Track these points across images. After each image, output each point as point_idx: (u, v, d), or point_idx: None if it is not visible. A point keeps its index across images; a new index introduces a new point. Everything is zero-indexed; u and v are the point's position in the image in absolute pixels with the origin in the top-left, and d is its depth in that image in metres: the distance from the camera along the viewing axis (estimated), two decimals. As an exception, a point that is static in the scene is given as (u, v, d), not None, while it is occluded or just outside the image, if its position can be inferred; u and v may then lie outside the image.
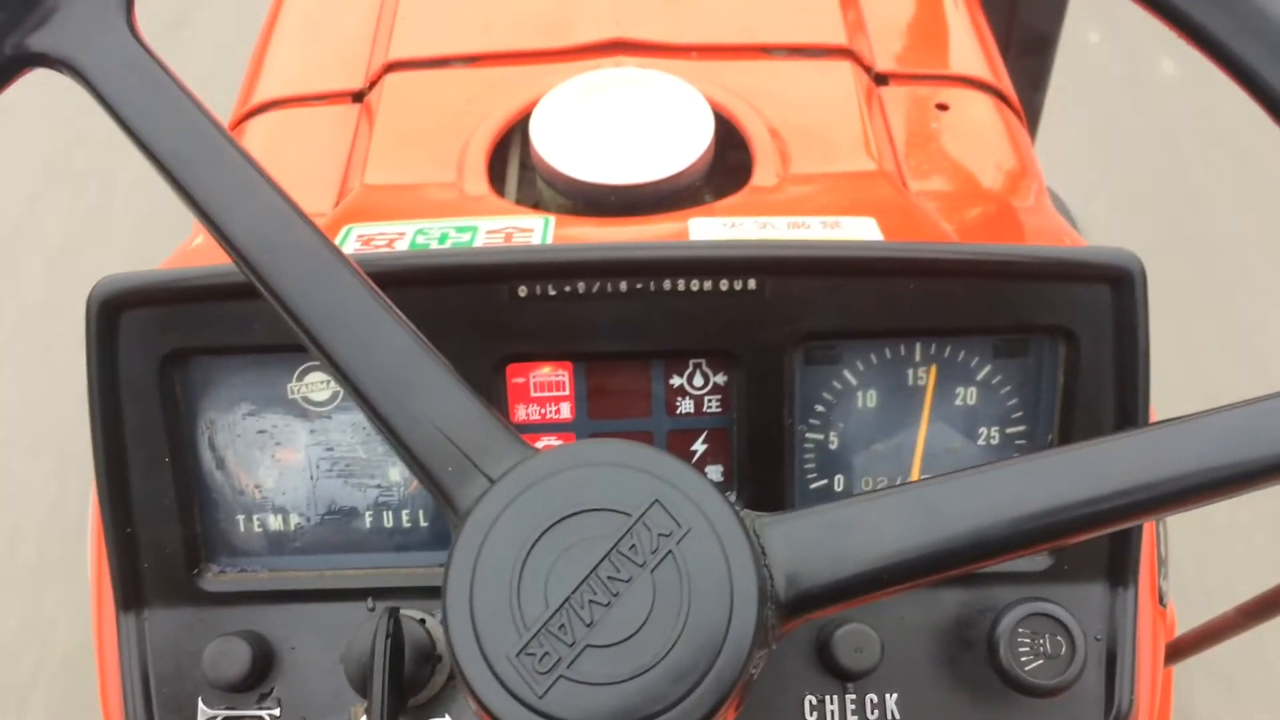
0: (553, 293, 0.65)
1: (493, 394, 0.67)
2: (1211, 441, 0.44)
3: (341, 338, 0.49)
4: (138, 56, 0.52)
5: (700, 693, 0.42)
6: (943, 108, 0.99)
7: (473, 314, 0.65)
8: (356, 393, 0.48)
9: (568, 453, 0.46)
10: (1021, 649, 0.62)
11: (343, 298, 0.49)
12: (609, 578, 0.43)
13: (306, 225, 0.50)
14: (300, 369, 0.67)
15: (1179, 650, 0.89)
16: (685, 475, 0.45)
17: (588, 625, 0.43)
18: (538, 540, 0.44)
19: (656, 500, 0.44)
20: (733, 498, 0.69)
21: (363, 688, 0.63)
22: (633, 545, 0.44)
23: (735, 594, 0.43)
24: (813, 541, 0.45)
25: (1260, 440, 0.43)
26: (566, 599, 0.43)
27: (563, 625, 0.43)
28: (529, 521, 0.44)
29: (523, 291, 0.65)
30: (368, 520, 0.69)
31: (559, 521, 0.44)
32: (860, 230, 0.77)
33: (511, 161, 0.94)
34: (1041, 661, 0.62)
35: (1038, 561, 0.67)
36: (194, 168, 0.51)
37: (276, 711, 0.67)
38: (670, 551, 0.44)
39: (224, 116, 1.06)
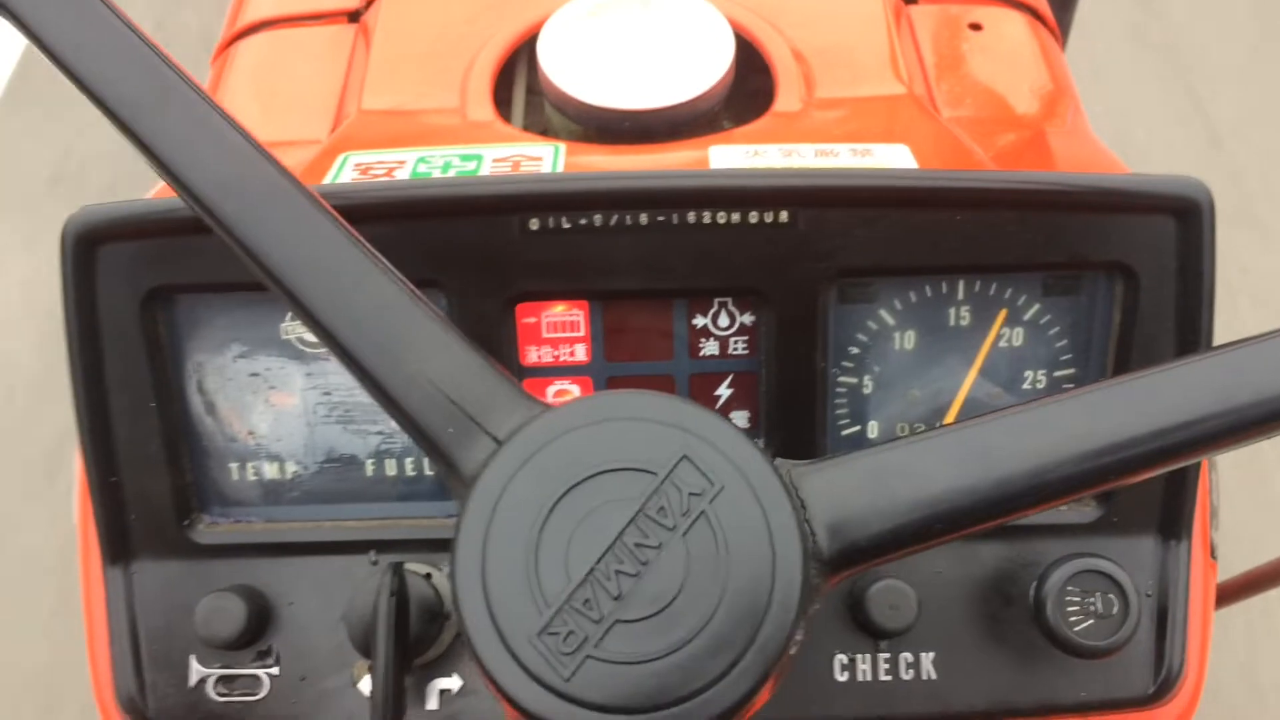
0: (567, 226, 0.60)
1: (502, 334, 0.62)
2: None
3: (320, 290, 0.44)
4: None
5: (744, 665, 0.38)
6: (975, 27, 0.93)
7: (480, 249, 0.60)
8: (341, 350, 0.44)
9: (582, 407, 0.41)
10: (1070, 608, 0.58)
11: (318, 246, 0.45)
12: (636, 544, 0.39)
13: (272, 165, 0.45)
14: None
15: (1221, 597, 0.85)
16: (715, 426, 0.41)
17: (615, 599, 0.39)
18: (554, 506, 0.40)
19: (685, 456, 0.40)
20: (760, 446, 0.65)
21: (366, 647, 0.59)
22: (661, 507, 0.39)
23: (777, 556, 0.39)
24: (856, 489, 0.41)
25: None
26: (590, 570, 0.39)
27: (587, 600, 0.39)
28: (544, 486, 0.40)
29: (534, 224, 0.60)
30: (369, 468, 0.65)
31: (577, 485, 0.40)
32: (894, 158, 0.72)
33: (518, 85, 0.88)
34: (1092, 621, 0.58)
35: (1085, 513, 0.63)
36: (141, 107, 0.46)
37: (275, 670, 0.63)
38: (703, 512, 0.39)
39: (214, 38, 1.00)
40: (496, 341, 0.62)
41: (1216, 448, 0.40)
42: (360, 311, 0.44)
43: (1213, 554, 0.67)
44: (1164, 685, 0.62)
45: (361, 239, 0.46)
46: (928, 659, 0.62)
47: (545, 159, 0.72)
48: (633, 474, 0.40)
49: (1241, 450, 0.41)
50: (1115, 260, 0.60)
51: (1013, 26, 0.94)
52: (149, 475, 0.62)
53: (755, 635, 0.38)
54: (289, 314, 0.63)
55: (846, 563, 0.41)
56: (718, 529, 0.39)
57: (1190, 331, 0.59)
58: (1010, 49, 0.92)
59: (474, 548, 0.40)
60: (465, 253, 0.60)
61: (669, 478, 0.40)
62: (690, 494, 0.39)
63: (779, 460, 0.42)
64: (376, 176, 0.70)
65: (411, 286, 0.45)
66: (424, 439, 0.43)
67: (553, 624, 0.38)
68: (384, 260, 0.45)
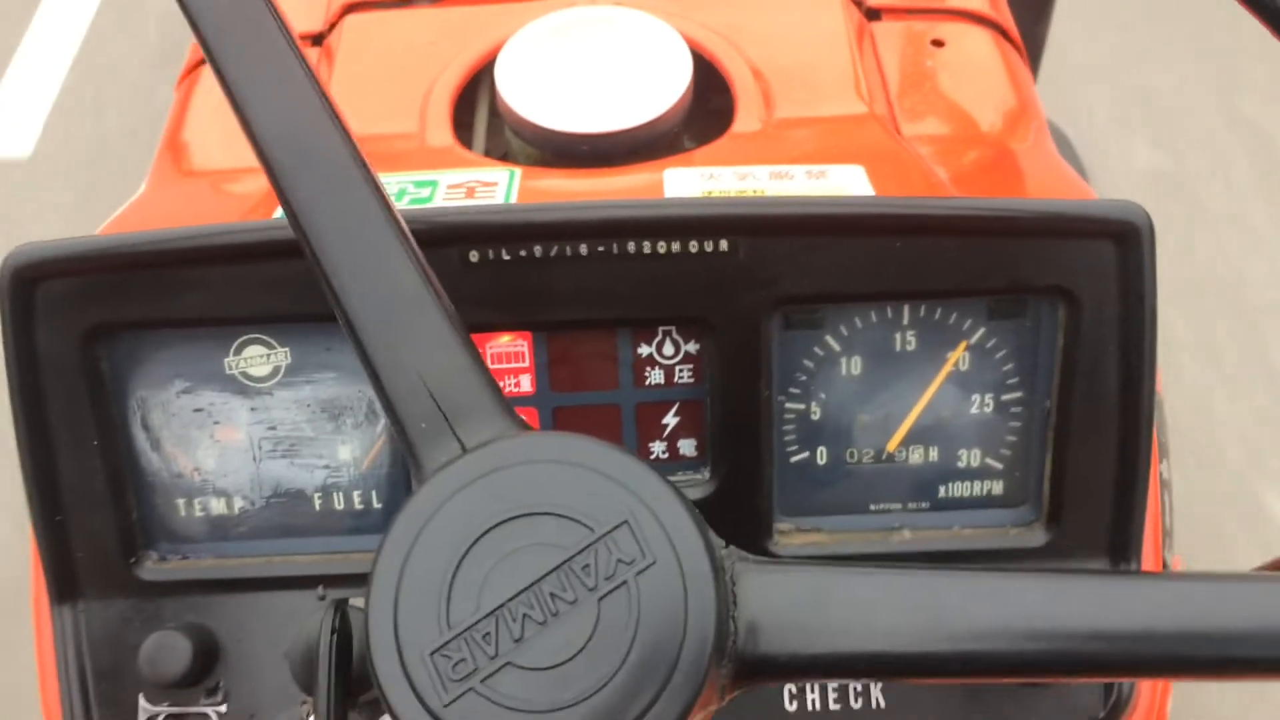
0: (507, 257, 0.60)
1: None
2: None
3: (344, 258, 0.44)
4: None
5: None
6: (938, 44, 0.93)
7: None
8: (347, 321, 0.44)
9: (551, 442, 0.41)
10: (1017, 636, 0.58)
11: (359, 217, 0.45)
12: (552, 594, 0.39)
13: (342, 136, 0.46)
14: (238, 342, 0.62)
15: None
16: (665, 499, 0.40)
17: (515, 640, 0.38)
18: (488, 532, 0.39)
19: (626, 521, 0.39)
20: (706, 474, 0.65)
21: (309, 685, 0.59)
22: (586, 565, 0.39)
23: (685, 643, 0.38)
24: (793, 603, 0.40)
25: None
26: (501, 605, 0.38)
27: (488, 634, 0.38)
28: (487, 507, 0.40)
29: (474, 256, 0.60)
30: (316, 503, 0.65)
31: (517, 517, 0.39)
32: (848, 180, 0.71)
33: (480, 108, 0.88)
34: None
35: (1034, 537, 0.62)
36: (235, 44, 0.46)
37: (223, 708, 0.63)
38: (626, 581, 0.39)
39: (180, 62, 1.00)
40: None
41: (1169, 675, 0.39)
42: (377, 286, 0.44)
43: (1168, 576, 0.66)
44: (1115, 708, 0.61)
45: (405, 227, 0.46)
46: (877, 688, 0.62)
47: (500, 184, 0.72)
48: (572, 524, 0.39)
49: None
50: (1057, 285, 0.59)
51: (976, 43, 0.93)
52: (94, 513, 0.62)
53: (643, 716, 0.38)
54: (232, 348, 0.62)
55: (758, 671, 0.40)
56: (635, 601, 0.39)
57: (1133, 354, 0.59)
58: (973, 66, 0.92)
59: (401, 547, 0.39)
60: None
61: (605, 538, 0.39)
62: (619, 560, 0.39)
63: (730, 549, 0.41)
64: None
65: (437, 282, 0.45)
66: (398, 425, 0.43)
67: (448, 647, 0.38)
68: (419, 253, 0.45)
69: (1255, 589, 0.38)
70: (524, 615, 0.38)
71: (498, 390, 0.43)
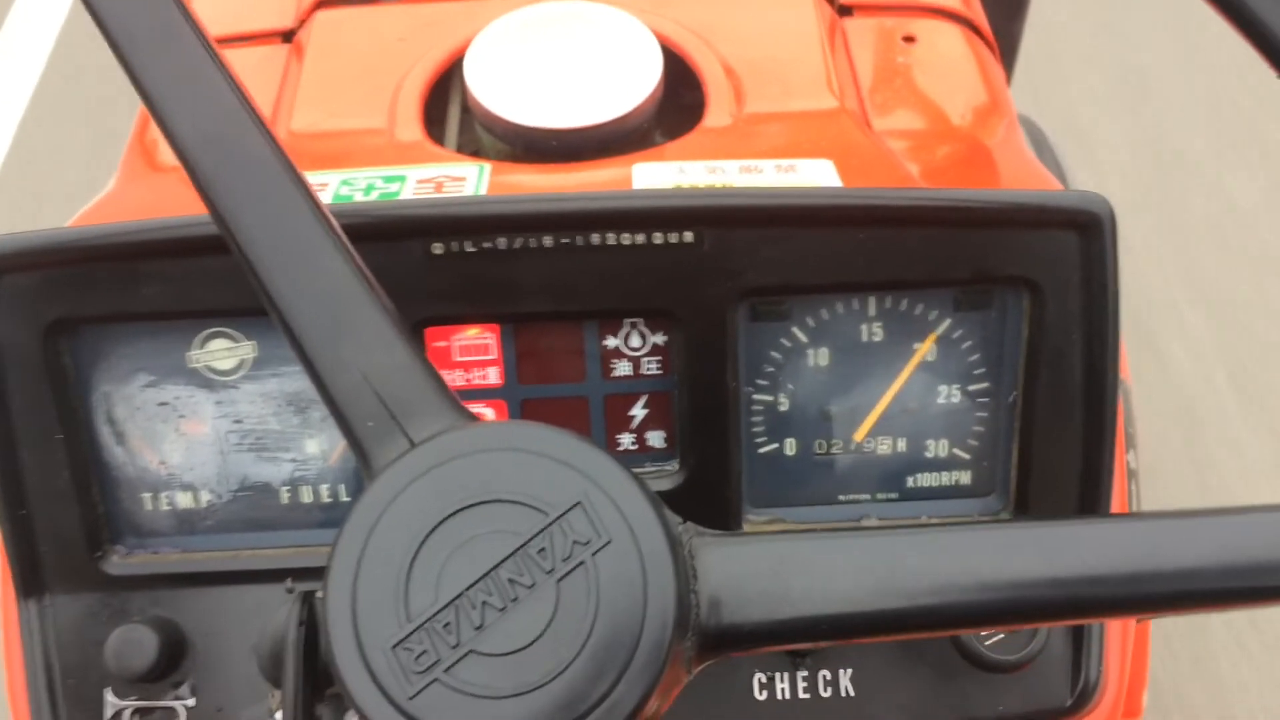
0: (471, 249, 0.60)
1: None
2: (1219, 542, 0.39)
3: (276, 259, 0.44)
4: None
5: None
6: (910, 40, 0.93)
7: (385, 274, 0.59)
8: (284, 324, 0.44)
9: (498, 430, 0.41)
10: (982, 625, 0.58)
11: (286, 215, 0.44)
12: (510, 580, 0.39)
13: (263, 133, 0.45)
14: (202, 335, 0.62)
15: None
16: (617, 479, 0.40)
17: (476, 628, 0.38)
18: (442, 523, 0.39)
19: (579, 503, 0.39)
20: (675, 465, 0.65)
21: (276, 678, 0.58)
22: (543, 549, 0.39)
23: (647, 619, 0.38)
24: (752, 573, 0.40)
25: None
26: (459, 595, 0.38)
27: (449, 624, 0.38)
28: (438, 499, 0.39)
29: (438, 249, 0.60)
30: (284, 496, 0.65)
31: (470, 506, 0.39)
32: (816, 174, 0.71)
33: (452, 104, 0.88)
34: (1001, 636, 0.58)
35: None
36: (150, 47, 0.46)
37: (191, 702, 0.63)
38: (583, 562, 0.39)
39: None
40: None
41: (1129, 613, 0.40)
42: (313, 286, 0.44)
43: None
44: (1082, 696, 0.61)
45: (336, 224, 0.45)
46: (845, 676, 0.62)
47: (469, 179, 0.72)
48: (525, 509, 0.40)
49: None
50: (1021, 275, 0.60)
51: (947, 39, 0.94)
52: (59, 507, 0.62)
53: (608, 694, 0.38)
54: (196, 342, 0.62)
55: (723, 643, 0.40)
56: (594, 581, 0.39)
57: (1097, 343, 0.59)
58: (944, 62, 0.92)
59: (355, 543, 0.39)
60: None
61: (559, 520, 0.39)
62: (575, 541, 0.39)
63: (687, 525, 0.41)
64: None
65: (374, 280, 0.45)
66: (344, 426, 0.43)
67: (410, 639, 0.38)
68: (353, 250, 0.45)
69: (1204, 524, 0.39)
70: (483, 602, 0.38)
71: (442, 383, 0.43)
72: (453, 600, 0.38)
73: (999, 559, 0.39)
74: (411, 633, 0.38)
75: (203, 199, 0.45)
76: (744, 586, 0.40)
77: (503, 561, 0.39)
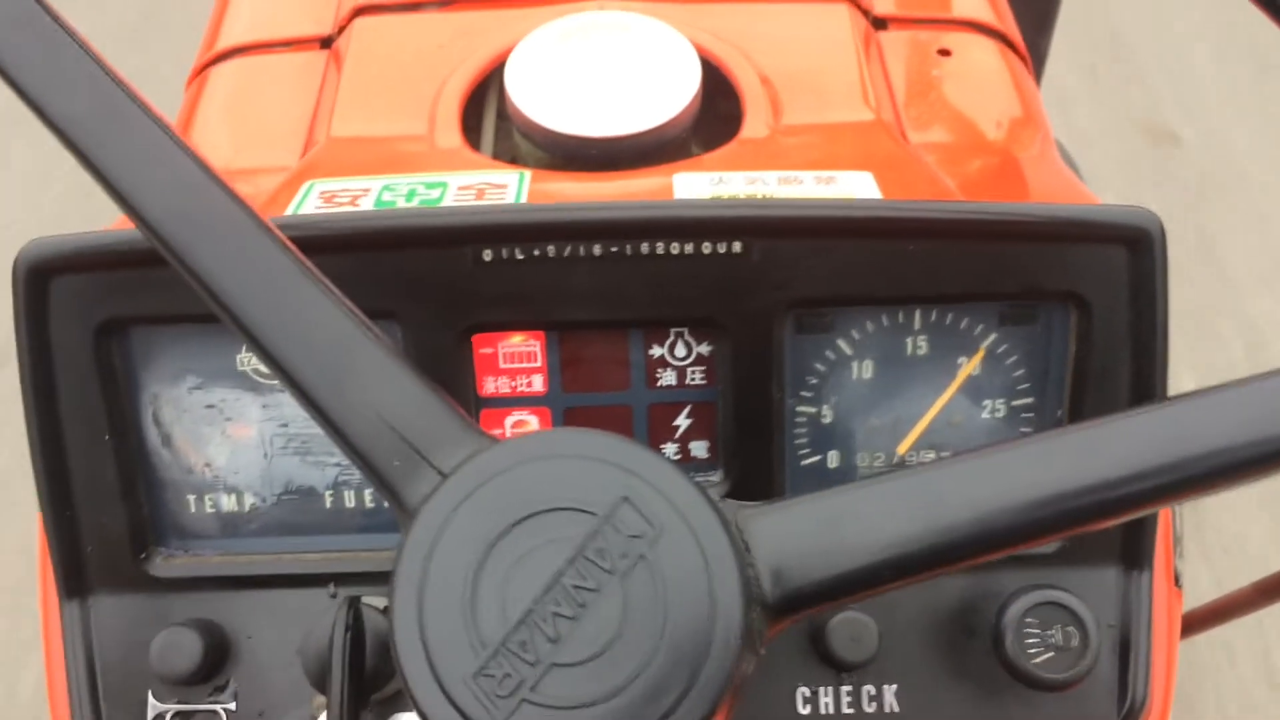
0: (520, 257, 0.60)
1: (459, 366, 0.62)
2: (1247, 412, 0.39)
3: (268, 318, 0.44)
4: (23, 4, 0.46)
5: (682, 712, 0.38)
6: (945, 53, 0.93)
7: (434, 280, 0.60)
8: (289, 380, 0.43)
9: (527, 443, 0.41)
10: (1029, 640, 0.58)
11: (269, 273, 0.44)
12: (575, 587, 0.39)
13: (223, 191, 0.45)
14: None
15: (1188, 626, 0.85)
16: (657, 468, 0.40)
17: (552, 641, 0.38)
18: (494, 544, 0.39)
19: (625, 498, 0.40)
20: (719, 476, 0.65)
21: (321, 683, 0.59)
22: (600, 549, 0.39)
23: (717, 601, 0.39)
24: (802, 534, 0.40)
25: None
26: (528, 612, 0.39)
27: (524, 642, 0.38)
28: (484, 523, 0.39)
29: (488, 255, 0.60)
30: (328, 500, 0.65)
31: (518, 523, 0.40)
32: (856, 186, 0.72)
33: (488, 112, 0.88)
34: (1051, 654, 0.58)
35: (1047, 545, 0.62)
36: (93, 127, 0.45)
37: (232, 705, 0.63)
38: (643, 555, 0.39)
39: (188, 65, 1.00)
40: (453, 372, 0.62)
41: (1168, 500, 0.40)
42: (308, 340, 0.44)
43: (1177, 582, 0.67)
44: (1128, 716, 0.61)
45: (313, 267, 0.45)
46: (890, 691, 0.62)
47: (510, 187, 0.72)
48: (573, 514, 0.40)
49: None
50: (1069, 290, 0.60)
51: (982, 53, 0.94)
52: (105, 508, 0.62)
53: (694, 680, 0.38)
54: (245, 345, 0.62)
55: (790, 608, 0.40)
56: (657, 572, 0.39)
57: (1145, 360, 0.59)
58: (979, 75, 0.92)
59: (412, 583, 0.39)
60: (419, 284, 0.60)
61: (609, 520, 0.39)
62: (630, 536, 0.39)
63: (727, 502, 0.42)
64: (340, 204, 0.70)
65: (362, 316, 0.45)
66: (370, 471, 0.43)
67: (489, 666, 0.38)
68: (335, 289, 0.45)
69: (1240, 396, 0.40)
70: (553, 614, 0.38)
71: (457, 409, 0.43)
72: (522, 618, 0.38)
73: (1041, 469, 0.40)
74: (489, 659, 0.38)
75: (182, 273, 0.45)
76: (799, 549, 0.40)
77: (563, 570, 0.39)
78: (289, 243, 0.45)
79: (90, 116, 0.45)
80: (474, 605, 0.39)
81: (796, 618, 0.41)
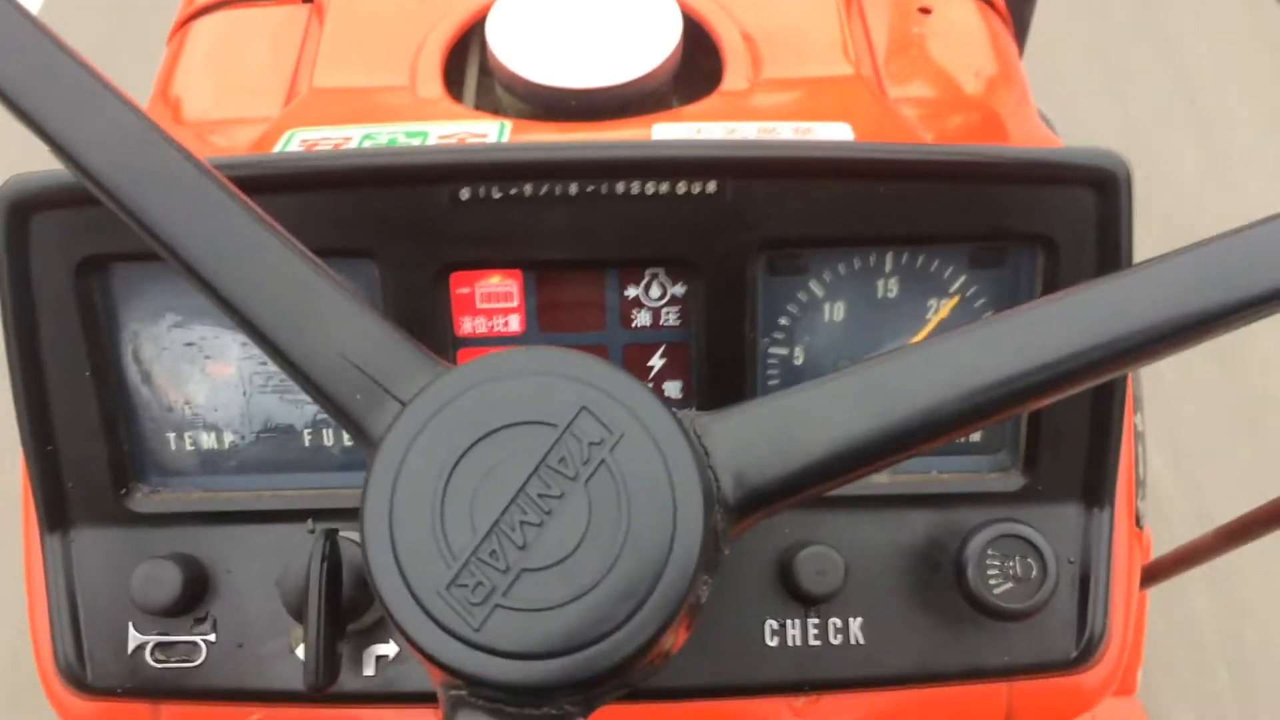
0: (497, 195, 0.61)
1: (436, 305, 0.63)
2: (1175, 281, 0.41)
3: (220, 264, 0.45)
4: None
5: (649, 609, 0.39)
6: (925, 11, 0.94)
7: (411, 219, 0.61)
8: (246, 324, 0.45)
9: (483, 365, 0.42)
10: (990, 572, 0.59)
11: (215, 219, 0.45)
12: (539, 495, 0.40)
13: (164, 139, 0.46)
14: None
15: (1154, 574, 0.86)
16: (613, 378, 0.42)
17: (520, 548, 0.40)
18: (458, 462, 0.41)
19: (584, 407, 0.41)
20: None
21: (300, 613, 0.60)
22: (562, 458, 0.40)
23: (678, 500, 0.40)
24: (758, 434, 0.42)
25: (1220, 281, 0.40)
26: (495, 522, 0.40)
27: (494, 551, 0.39)
28: (447, 443, 0.41)
29: (464, 194, 0.61)
30: (306, 438, 0.66)
31: (480, 440, 0.41)
32: (834, 135, 0.72)
33: (470, 64, 0.89)
34: (1011, 585, 0.59)
35: (1010, 482, 0.64)
36: (26, 81, 0.46)
37: (211, 637, 0.64)
38: (603, 460, 0.40)
39: (170, 17, 1.01)
40: (430, 311, 0.63)
41: (1106, 370, 0.41)
42: (263, 284, 0.45)
43: (1138, 523, 0.68)
44: (1086, 649, 0.63)
45: (261, 211, 0.46)
46: (856, 624, 0.63)
47: (490, 136, 0.73)
48: (534, 427, 0.41)
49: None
50: (1037, 232, 0.61)
51: (962, 11, 0.95)
52: (86, 444, 0.63)
53: (659, 580, 0.39)
54: (204, 296, 0.63)
55: (753, 505, 0.42)
56: (619, 476, 0.40)
57: None
58: (958, 33, 0.93)
59: (381, 505, 0.41)
60: (396, 223, 0.61)
61: (569, 429, 0.41)
62: (590, 443, 0.40)
63: (684, 411, 0.43)
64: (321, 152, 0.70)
65: (314, 256, 0.46)
66: (333, 407, 0.44)
67: (460, 576, 0.39)
68: (285, 233, 0.46)
69: (1171, 269, 0.41)
70: (520, 523, 0.40)
71: (413, 342, 0.45)
72: (491, 529, 0.40)
73: (984, 352, 0.41)
74: (461, 569, 0.39)
75: (132, 225, 0.46)
76: (756, 448, 0.42)
77: (527, 480, 0.40)
78: (235, 188, 0.46)
79: (20, 66, 0.46)
80: (443, 521, 0.40)
81: (758, 517, 0.43)
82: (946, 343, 0.42)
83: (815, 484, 0.42)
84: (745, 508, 0.42)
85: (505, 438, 0.41)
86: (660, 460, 0.40)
